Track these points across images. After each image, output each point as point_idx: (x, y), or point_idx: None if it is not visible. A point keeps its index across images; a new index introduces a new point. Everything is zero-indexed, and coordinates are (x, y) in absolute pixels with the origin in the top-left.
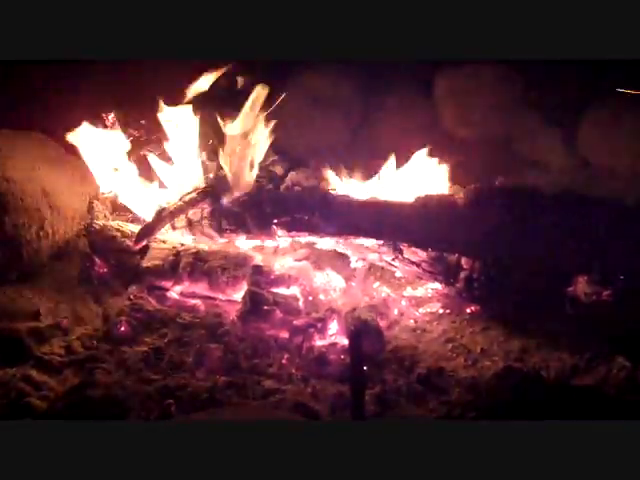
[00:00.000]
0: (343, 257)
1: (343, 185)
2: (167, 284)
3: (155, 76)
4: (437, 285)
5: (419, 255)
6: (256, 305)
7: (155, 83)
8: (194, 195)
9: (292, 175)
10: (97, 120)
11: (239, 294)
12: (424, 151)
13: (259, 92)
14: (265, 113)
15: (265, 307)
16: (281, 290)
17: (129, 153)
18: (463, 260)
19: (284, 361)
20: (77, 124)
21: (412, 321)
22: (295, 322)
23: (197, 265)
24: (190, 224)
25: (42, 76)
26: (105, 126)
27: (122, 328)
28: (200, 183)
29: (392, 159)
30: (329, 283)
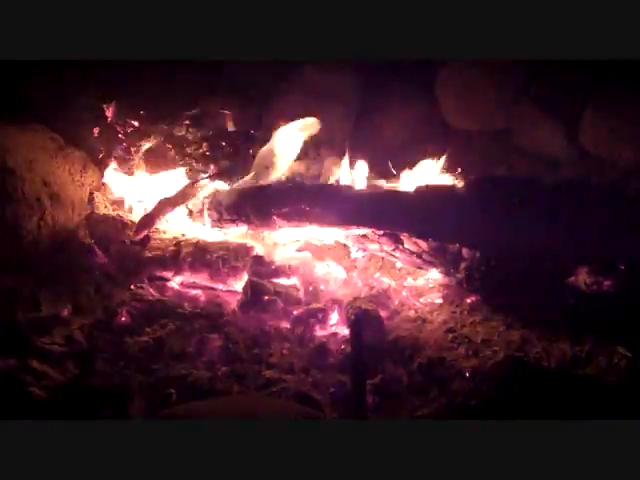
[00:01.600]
0: (344, 247)
1: (344, 176)
2: (168, 274)
3: (155, 75)
4: (438, 275)
5: (420, 246)
6: (257, 295)
7: (155, 82)
8: (195, 186)
9: (293, 166)
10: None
11: (240, 284)
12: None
13: None
14: None
15: (266, 297)
16: (282, 280)
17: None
18: (464, 251)
19: (285, 351)
20: (77, 117)
21: (413, 311)
22: (296, 312)
23: (198, 255)
24: (191, 214)
25: (44, 72)
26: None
27: (123, 318)
28: (201, 174)
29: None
30: (330, 273)
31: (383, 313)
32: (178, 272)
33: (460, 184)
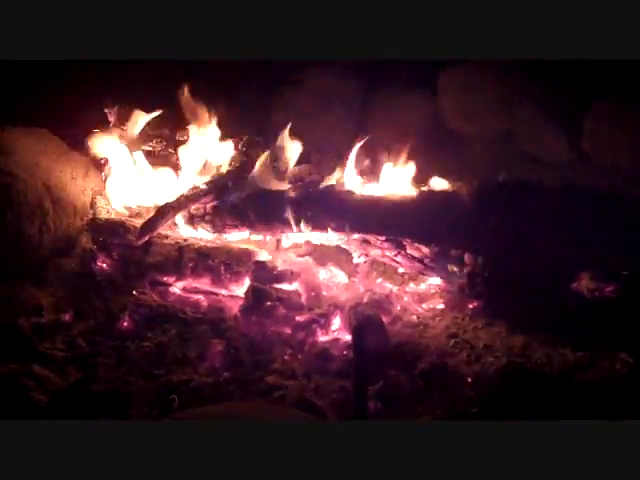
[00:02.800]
0: (346, 253)
1: (346, 180)
2: (170, 279)
3: (156, 75)
4: (440, 281)
5: (422, 251)
6: (259, 301)
7: (156, 82)
8: (197, 190)
9: (294, 170)
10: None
11: (242, 290)
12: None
13: None
14: None
15: (268, 303)
16: (284, 286)
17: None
18: (466, 256)
19: (287, 357)
20: (78, 121)
21: (415, 317)
22: (298, 318)
23: (200, 261)
24: (192, 219)
25: (46, 75)
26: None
27: (125, 323)
28: (204, 178)
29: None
30: (332, 279)
31: (385, 318)
32: (180, 277)
33: (461, 188)
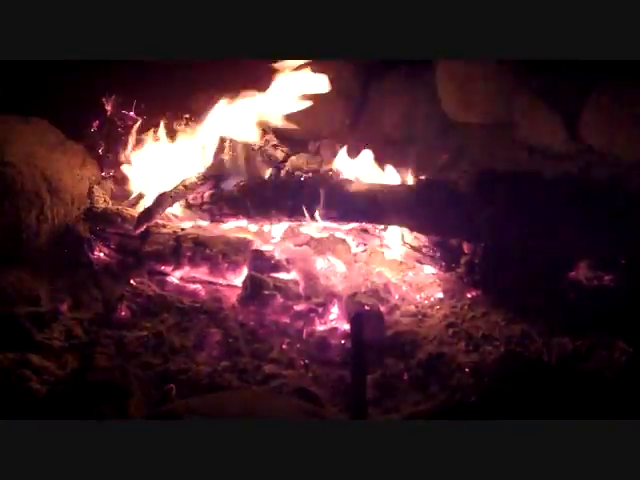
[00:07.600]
0: (344, 242)
1: (344, 170)
2: (167, 269)
3: (156, 75)
4: (438, 270)
5: (420, 240)
6: (256, 290)
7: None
8: (194, 179)
9: (293, 160)
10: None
11: (239, 279)
12: None
13: None
14: None
15: (265, 292)
16: (281, 275)
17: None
18: (464, 245)
19: (285, 346)
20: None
21: (413, 306)
22: (296, 307)
23: (198, 250)
24: (190, 208)
25: (44, 67)
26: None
27: (122, 313)
28: (201, 167)
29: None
30: (330, 268)
31: (383, 308)
32: (178, 266)
33: (460, 178)
